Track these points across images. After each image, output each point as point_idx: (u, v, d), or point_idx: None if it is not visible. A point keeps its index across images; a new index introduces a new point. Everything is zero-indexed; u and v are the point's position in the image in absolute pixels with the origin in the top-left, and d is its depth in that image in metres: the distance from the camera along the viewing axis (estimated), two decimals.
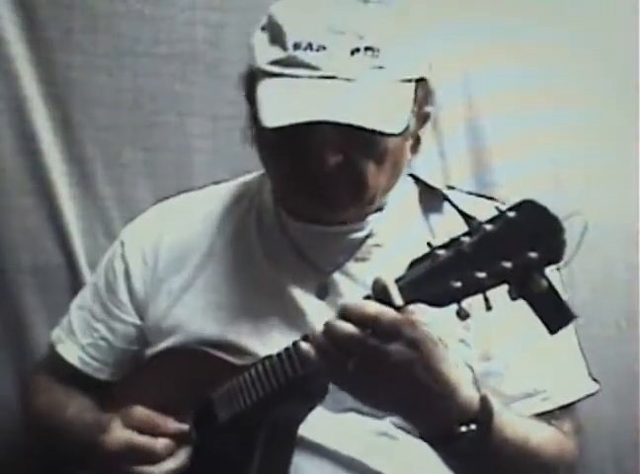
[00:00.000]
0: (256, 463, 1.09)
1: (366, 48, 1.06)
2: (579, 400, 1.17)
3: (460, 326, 1.09)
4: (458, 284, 0.87)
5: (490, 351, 1.14)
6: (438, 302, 0.90)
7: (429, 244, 0.90)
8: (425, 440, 0.99)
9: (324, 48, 1.06)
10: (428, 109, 1.16)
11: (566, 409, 1.15)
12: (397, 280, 0.92)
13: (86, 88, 1.58)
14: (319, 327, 1.06)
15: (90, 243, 1.60)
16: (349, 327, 0.91)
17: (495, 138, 1.60)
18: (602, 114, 1.59)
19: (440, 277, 0.88)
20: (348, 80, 1.05)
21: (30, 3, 1.55)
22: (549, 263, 0.85)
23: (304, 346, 0.99)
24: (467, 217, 0.91)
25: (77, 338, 1.31)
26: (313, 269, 1.19)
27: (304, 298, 1.18)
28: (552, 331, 0.89)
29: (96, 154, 1.60)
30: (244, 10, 1.55)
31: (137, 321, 1.28)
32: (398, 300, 0.91)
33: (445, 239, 0.89)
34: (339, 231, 1.18)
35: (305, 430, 1.10)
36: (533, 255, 0.85)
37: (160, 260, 1.26)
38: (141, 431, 1.15)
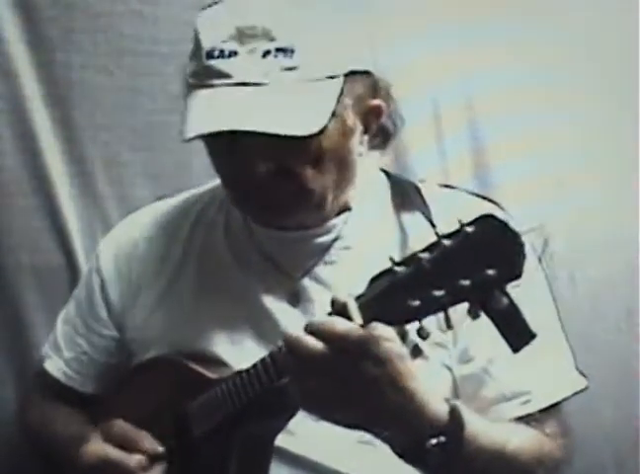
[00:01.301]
0: None
1: (278, 49, 1.02)
2: (563, 399, 1.15)
3: (437, 329, 1.07)
4: (417, 303, 0.85)
5: (469, 353, 1.13)
6: (397, 321, 0.88)
7: (391, 259, 0.87)
8: (396, 454, 0.97)
9: (235, 54, 1.03)
10: (375, 102, 1.12)
11: (549, 410, 1.13)
12: (357, 298, 0.90)
13: (86, 88, 1.58)
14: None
15: (90, 243, 1.60)
16: (314, 343, 0.89)
17: (495, 138, 1.60)
18: (602, 114, 1.59)
19: (398, 296, 0.86)
20: (259, 85, 1.02)
21: (30, 3, 1.55)
22: (508, 280, 0.83)
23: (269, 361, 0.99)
24: (432, 225, 0.90)
25: (62, 352, 1.32)
26: (283, 275, 1.18)
27: (276, 306, 1.17)
28: (515, 349, 0.86)
29: (96, 154, 1.60)
30: None
31: (116, 334, 1.29)
32: (358, 319, 0.89)
33: (407, 253, 0.87)
34: (303, 236, 1.16)
35: (284, 440, 1.10)
36: (491, 272, 0.82)
37: (134, 271, 1.26)
38: (118, 445, 1.15)
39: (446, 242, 0.83)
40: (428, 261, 0.84)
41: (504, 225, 0.83)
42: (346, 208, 1.18)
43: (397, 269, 0.86)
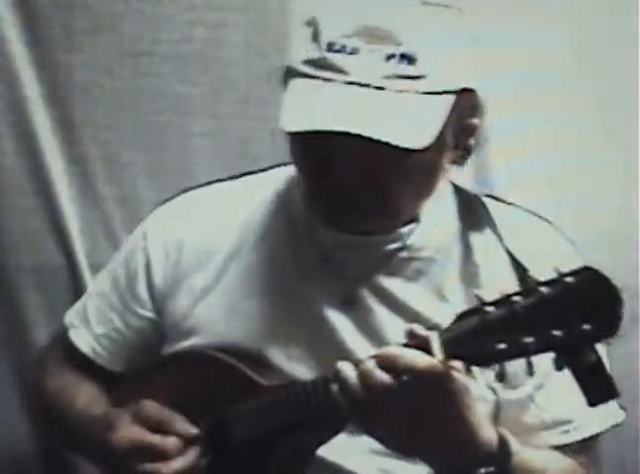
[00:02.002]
0: None
1: (402, 56, 0.99)
2: (603, 432, 1.14)
3: None
4: (503, 346, 0.83)
5: (517, 379, 1.07)
6: (478, 362, 0.88)
7: (477, 297, 0.86)
8: None
9: (357, 52, 0.99)
10: (474, 121, 1.09)
11: (586, 441, 1.12)
12: (441, 334, 0.89)
13: (86, 88, 1.58)
14: (345, 341, 1.08)
15: (90, 243, 1.60)
16: (389, 381, 0.88)
17: (495, 139, 1.60)
18: (602, 115, 1.59)
19: (486, 337, 0.84)
20: (376, 88, 0.99)
21: (30, 3, 1.55)
22: (603, 337, 0.82)
23: (336, 391, 0.96)
24: (519, 267, 0.89)
25: (91, 326, 1.27)
26: (341, 278, 1.14)
27: (330, 311, 1.13)
28: (592, 404, 0.86)
29: (96, 154, 1.60)
30: (243, 10, 1.55)
31: (154, 316, 1.23)
32: (440, 356, 0.88)
33: (496, 295, 0.85)
34: (368, 242, 1.12)
35: (323, 448, 1.09)
36: (587, 327, 0.81)
37: (183, 256, 1.21)
38: (151, 427, 1.12)
39: (544, 289, 0.82)
40: (522, 306, 0.83)
41: (605, 280, 0.82)
42: (414, 219, 1.14)
43: (488, 309, 0.84)
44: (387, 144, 0.96)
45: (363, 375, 0.90)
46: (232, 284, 1.18)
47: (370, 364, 0.91)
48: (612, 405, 1.14)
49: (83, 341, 1.27)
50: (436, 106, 1.01)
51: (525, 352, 0.83)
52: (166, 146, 1.61)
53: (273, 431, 1.07)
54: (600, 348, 0.84)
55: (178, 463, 1.12)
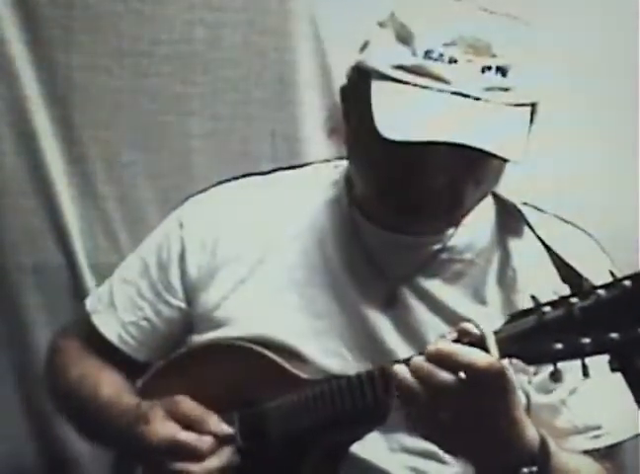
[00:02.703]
0: None
1: (498, 68, 1.00)
2: (631, 438, 1.14)
3: None
4: (559, 346, 0.85)
5: (551, 383, 1.11)
6: (533, 361, 0.88)
7: (533, 298, 0.87)
8: None
9: (455, 61, 0.99)
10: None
11: (614, 446, 1.13)
12: (496, 332, 0.89)
13: (86, 88, 1.58)
14: (383, 339, 1.08)
15: (90, 243, 1.61)
16: (447, 378, 0.88)
17: None
18: (602, 114, 1.59)
19: (542, 337, 0.86)
20: (476, 99, 0.99)
21: (30, 3, 1.55)
22: None
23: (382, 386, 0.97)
24: (573, 271, 0.89)
25: (118, 313, 1.25)
26: (381, 277, 1.14)
27: (370, 308, 1.13)
28: None
29: (96, 154, 1.60)
30: (243, 10, 1.55)
31: (185, 306, 1.22)
32: (495, 354, 0.88)
33: (554, 297, 0.86)
34: (415, 242, 1.13)
35: (356, 444, 1.09)
36: None
37: (219, 247, 1.20)
38: (185, 425, 1.11)
39: (601, 292, 0.83)
40: (580, 307, 0.84)
41: None
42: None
43: (545, 310, 0.86)
44: (494, 156, 0.97)
45: (421, 372, 0.89)
46: (268, 277, 1.17)
47: (426, 362, 0.90)
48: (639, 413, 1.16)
49: (109, 327, 1.25)
50: (523, 117, 1.03)
51: (582, 352, 0.84)
52: (166, 146, 1.61)
53: (312, 425, 1.07)
54: None
55: (211, 463, 1.11)
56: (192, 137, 1.60)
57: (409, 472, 1.11)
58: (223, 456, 1.11)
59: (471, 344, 0.89)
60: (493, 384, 0.88)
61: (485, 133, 0.98)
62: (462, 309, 1.12)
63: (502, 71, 1.00)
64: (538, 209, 1.23)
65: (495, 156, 0.97)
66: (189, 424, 1.11)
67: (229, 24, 1.56)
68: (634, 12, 1.55)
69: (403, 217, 1.09)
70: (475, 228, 1.15)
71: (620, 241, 1.60)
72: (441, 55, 0.99)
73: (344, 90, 1.12)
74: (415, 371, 0.89)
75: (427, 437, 0.94)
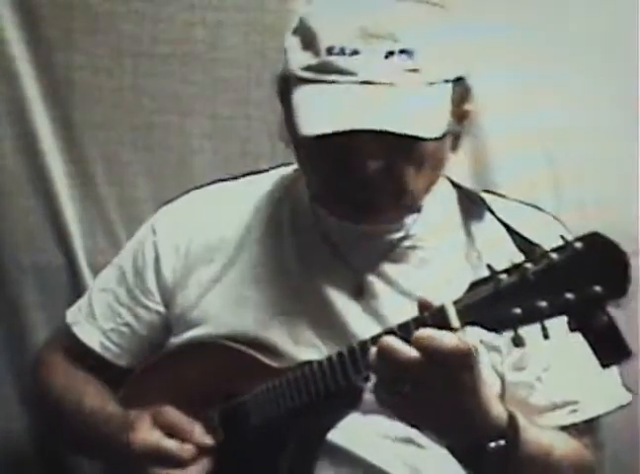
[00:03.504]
0: (282, 468, 1.09)
1: (401, 51, 1.03)
2: (608, 413, 1.16)
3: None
4: (518, 311, 0.86)
5: (523, 361, 1.13)
6: (494, 327, 0.89)
7: (489, 267, 0.89)
8: (454, 455, 0.99)
9: (357, 53, 1.03)
10: (467, 107, 1.14)
11: (592, 422, 1.15)
12: (455, 302, 0.91)
13: (86, 88, 1.59)
14: (353, 328, 1.08)
15: (90, 243, 1.60)
16: (413, 354, 0.89)
17: (494, 138, 1.60)
18: (602, 113, 1.59)
19: (500, 303, 0.87)
20: (385, 85, 1.03)
21: (30, 3, 1.56)
22: (613, 298, 0.84)
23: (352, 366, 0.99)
24: (528, 242, 0.90)
25: (98, 321, 1.28)
26: (347, 268, 1.17)
27: (338, 298, 1.16)
28: (604, 365, 0.88)
29: (96, 154, 1.60)
30: (243, 10, 1.55)
31: (163, 309, 1.25)
32: (455, 323, 0.90)
33: (508, 264, 0.88)
34: (375, 231, 1.16)
35: (332, 432, 1.10)
36: (597, 289, 0.83)
37: (192, 249, 1.24)
38: (170, 433, 1.14)
39: (553, 256, 0.85)
40: (533, 272, 0.86)
41: (612, 244, 0.85)
42: (416, 209, 1.18)
43: (501, 277, 0.87)
44: (408, 136, 0.99)
45: (388, 350, 0.91)
46: (239, 276, 1.20)
47: (394, 341, 0.91)
48: (618, 387, 1.18)
49: (90, 336, 1.28)
50: (441, 95, 1.06)
51: (540, 315, 0.86)
52: (166, 146, 1.61)
53: (286, 412, 1.08)
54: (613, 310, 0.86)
55: (192, 471, 1.14)
56: (192, 137, 1.60)
57: (390, 458, 1.12)
58: (203, 466, 1.14)
59: (432, 315, 0.91)
60: (457, 363, 0.90)
61: (395, 116, 1.01)
62: (430, 294, 1.12)
63: (407, 53, 1.03)
64: (499, 195, 1.27)
65: (407, 136, 0.99)
66: (173, 433, 1.14)
67: (229, 24, 1.56)
68: (634, 11, 1.55)
69: (353, 210, 1.12)
70: (437, 215, 1.18)
71: (620, 240, 1.61)
72: (343, 49, 1.03)
73: (280, 98, 1.15)
74: (383, 350, 0.91)
75: (390, 410, 0.96)
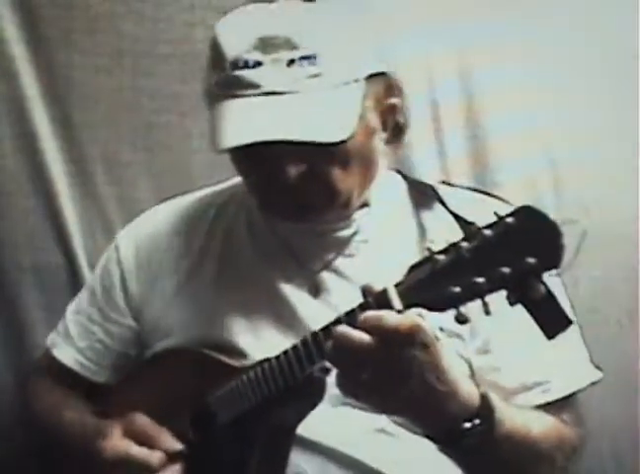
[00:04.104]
0: (253, 465, 1.10)
1: (302, 58, 1.05)
2: (580, 390, 1.17)
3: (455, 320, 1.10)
4: (457, 290, 0.88)
5: (488, 344, 1.15)
6: (436, 307, 0.90)
7: (428, 249, 0.90)
8: (430, 439, 1.01)
9: (260, 64, 1.05)
10: (392, 100, 1.15)
11: (567, 399, 1.16)
12: (397, 285, 0.93)
13: (86, 88, 1.59)
14: (314, 326, 1.06)
15: (90, 243, 1.61)
16: (363, 337, 0.91)
17: (495, 138, 1.60)
18: (602, 113, 1.59)
19: (439, 283, 0.89)
20: (288, 93, 1.05)
21: (30, 3, 1.55)
22: (547, 268, 0.85)
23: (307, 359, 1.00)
24: (464, 222, 0.91)
25: (74, 341, 1.33)
26: (303, 267, 1.20)
27: (297, 297, 1.18)
28: (549, 336, 0.89)
29: (96, 154, 1.60)
30: None
31: (133, 324, 1.30)
32: (398, 305, 0.92)
33: (444, 244, 0.90)
34: (324, 230, 1.19)
35: (302, 426, 1.10)
36: (532, 261, 0.85)
37: (154, 263, 1.28)
38: (138, 441, 1.16)
39: (487, 232, 0.86)
40: (468, 249, 0.87)
41: (543, 215, 0.86)
42: (365, 204, 1.21)
43: (438, 257, 0.89)
44: (312, 143, 1.02)
45: (340, 337, 0.92)
46: (202, 284, 1.24)
47: (345, 328, 0.93)
48: (588, 365, 1.20)
49: (67, 356, 1.33)
50: (348, 96, 1.07)
51: (479, 292, 0.87)
52: (166, 146, 1.61)
53: (251, 410, 1.10)
54: (552, 281, 0.87)
55: None
56: (192, 137, 1.60)
57: (364, 449, 1.13)
58: (176, 470, 1.16)
59: (375, 299, 0.93)
60: (407, 341, 0.91)
61: (298, 123, 1.04)
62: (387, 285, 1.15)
63: (308, 59, 1.05)
64: (453, 185, 1.30)
65: (311, 143, 1.02)
66: (142, 440, 1.16)
67: None
68: (634, 11, 1.55)
69: (291, 217, 1.16)
70: (387, 208, 1.21)
71: (621, 238, 1.61)
72: (246, 62, 1.06)
73: None
74: (336, 338, 0.92)
75: (356, 399, 0.97)
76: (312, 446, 1.11)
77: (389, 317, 0.90)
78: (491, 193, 1.29)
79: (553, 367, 1.15)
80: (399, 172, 1.28)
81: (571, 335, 1.18)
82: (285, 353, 1.05)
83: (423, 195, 1.21)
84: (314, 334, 1.01)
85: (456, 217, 0.92)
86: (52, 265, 1.59)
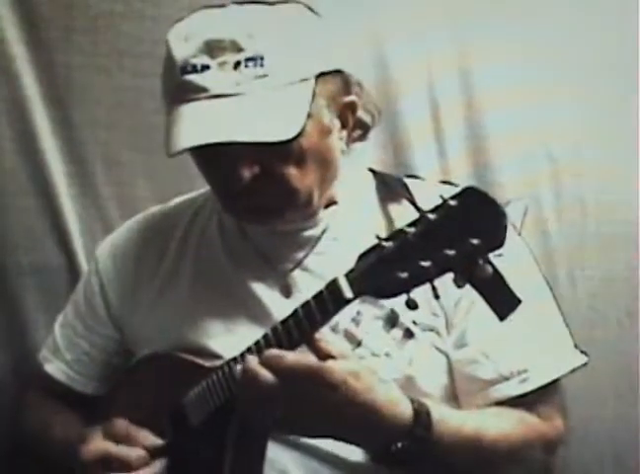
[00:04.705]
0: (228, 463, 1.10)
1: (248, 59, 1.06)
2: (562, 376, 1.16)
3: (429, 314, 1.12)
4: (405, 275, 0.88)
5: (465, 338, 1.15)
6: (386, 294, 0.91)
7: (377, 237, 0.91)
8: (369, 458, 1.03)
9: (208, 68, 1.07)
10: (349, 98, 1.16)
11: (546, 388, 1.15)
12: (347, 274, 0.94)
13: (86, 88, 1.59)
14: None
15: (90, 243, 1.60)
16: (266, 376, 0.94)
17: (495, 137, 1.60)
18: (602, 112, 1.59)
19: (386, 269, 0.89)
20: (235, 95, 1.06)
21: (30, 3, 1.55)
22: (491, 248, 0.86)
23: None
24: (416, 207, 0.92)
25: (62, 355, 1.34)
26: (274, 268, 1.21)
27: (270, 298, 1.19)
28: (501, 317, 0.90)
29: (96, 154, 1.60)
30: None
31: (116, 334, 1.31)
32: (348, 293, 0.93)
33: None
34: (292, 229, 1.20)
35: None
36: (475, 241, 0.85)
37: (131, 272, 1.29)
38: (118, 442, 1.17)
39: (431, 216, 0.87)
40: (413, 234, 0.88)
41: (484, 196, 0.86)
42: (332, 202, 1.21)
43: (384, 244, 0.89)
44: (258, 143, 1.03)
45: (244, 376, 0.96)
46: (178, 291, 1.25)
47: (254, 365, 0.96)
48: (570, 349, 1.19)
49: (56, 369, 1.35)
50: (295, 96, 1.08)
51: (427, 276, 0.88)
52: None
53: (219, 409, 1.10)
54: (499, 260, 0.88)
55: (144, 473, 1.16)
56: None
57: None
58: (155, 468, 1.16)
59: (327, 288, 0.95)
60: (308, 380, 0.94)
61: (244, 125, 1.05)
62: None
63: (254, 60, 1.06)
64: (421, 179, 1.31)
65: (257, 143, 1.03)
66: (121, 440, 1.17)
67: None
68: (634, 11, 1.55)
69: (252, 218, 1.17)
70: (355, 205, 1.22)
71: (621, 238, 1.61)
72: (194, 66, 1.07)
73: None
74: (242, 376, 0.97)
75: (278, 430, 1.01)
76: (295, 444, 1.12)
77: (287, 358, 0.93)
78: (449, 182, 1.29)
79: (532, 355, 1.14)
80: (371, 169, 1.28)
81: (551, 320, 1.19)
82: (249, 349, 1.05)
83: (391, 189, 1.22)
84: (274, 328, 1.02)
85: (417, 209, 0.92)
86: (52, 265, 1.59)
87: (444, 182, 1.31)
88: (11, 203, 1.58)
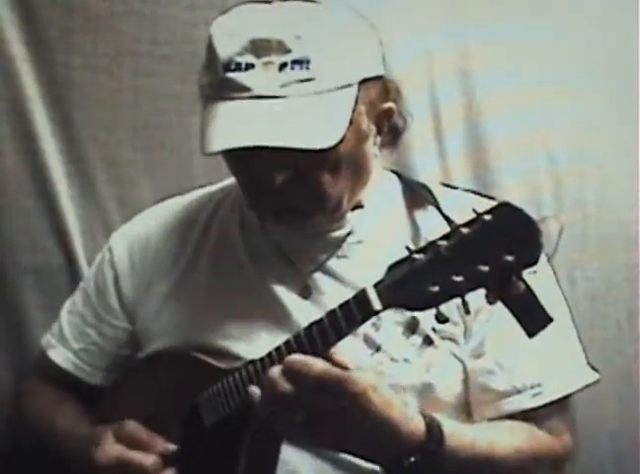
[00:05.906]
0: (242, 465, 1.09)
1: (294, 62, 1.04)
2: (574, 392, 1.16)
3: (448, 323, 1.09)
4: (436, 289, 0.87)
5: (482, 348, 1.15)
6: (415, 307, 0.90)
7: (407, 248, 0.90)
8: (382, 471, 1.02)
9: (252, 67, 1.05)
10: (387, 105, 1.15)
11: (558, 403, 1.14)
12: (376, 285, 0.92)
13: (86, 88, 1.58)
14: (301, 323, 1.08)
15: (90, 243, 1.60)
16: (285, 388, 0.93)
17: (495, 138, 1.60)
18: (602, 113, 1.60)
19: (417, 282, 0.88)
20: (278, 98, 1.04)
21: (29, 3, 1.55)
22: (526, 266, 0.85)
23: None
24: (447, 220, 0.91)
25: (69, 343, 1.33)
26: (295, 269, 1.19)
27: (289, 299, 1.18)
28: (530, 334, 0.89)
29: (96, 154, 1.60)
30: None
31: (127, 325, 1.30)
32: (377, 305, 0.92)
33: (423, 243, 0.89)
34: (317, 231, 1.19)
35: None
36: (510, 258, 0.84)
37: (148, 264, 1.28)
38: (132, 445, 1.16)
39: (464, 230, 0.86)
40: (446, 248, 0.86)
41: (520, 212, 0.85)
42: (359, 205, 1.20)
43: (416, 256, 0.88)
44: (300, 150, 1.01)
45: (266, 386, 0.95)
46: (195, 286, 1.24)
47: (275, 373, 0.95)
48: (583, 366, 1.19)
49: (63, 358, 1.33)
50: (338, 102, 1.06)
51: (458, 291, 0.87)
52: (166, 146, 1.61)
53: (235, 411, 1.09)
54: (531, 278, 0.87)
55: None
56: (192, 137, 1.59)
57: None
58: (169, 473, 1.15)
59: (355, 299, 0.93)
60: (332, 391, 0.92)
61: (286, 129, 1.03)
62: None
63: (300, 63, 1.04)
64: (451, 187, 1.29)
65: (299, 150, 1.01)
66: (134, 444, 1.16)
67: None
68: (634, 11, 1.55)
69: (279, 222, 1.15)
70: (381, 209, 1.21)
71: (621, 239, 1.61)
72: (239, 64, 1.05)
73: None
74: (268, 386, 0.95)
75: (295, 440, 1.01)
76: (307, 446, 1.11)
77: (316, 366, 0.92)
78: (487, 194, 1.28)
79: (547, 369, 1.14)
80: (395, 172, 1.27)
81: (567, 336, 1.18)
82: (269, 354, 1.04)
83: (417, 195, 1.21)
84: (297, 335, 1.01)
85: (446, 218, 0.91)
86: (52, 265, 1.59)
87: (475, 192, 1.31)
88: (11, 203, 1.58)
